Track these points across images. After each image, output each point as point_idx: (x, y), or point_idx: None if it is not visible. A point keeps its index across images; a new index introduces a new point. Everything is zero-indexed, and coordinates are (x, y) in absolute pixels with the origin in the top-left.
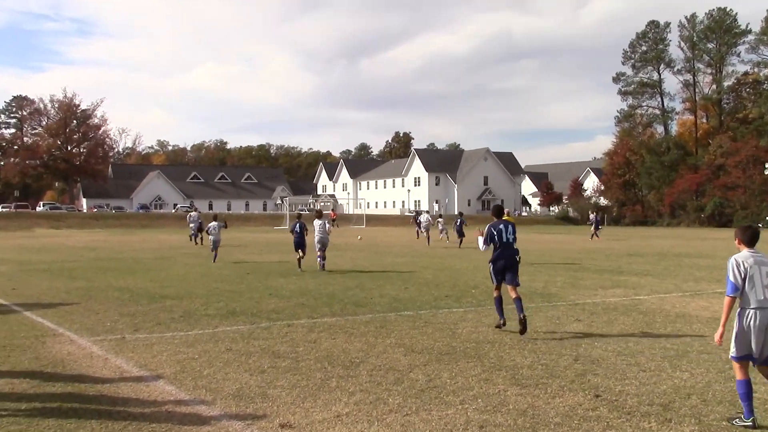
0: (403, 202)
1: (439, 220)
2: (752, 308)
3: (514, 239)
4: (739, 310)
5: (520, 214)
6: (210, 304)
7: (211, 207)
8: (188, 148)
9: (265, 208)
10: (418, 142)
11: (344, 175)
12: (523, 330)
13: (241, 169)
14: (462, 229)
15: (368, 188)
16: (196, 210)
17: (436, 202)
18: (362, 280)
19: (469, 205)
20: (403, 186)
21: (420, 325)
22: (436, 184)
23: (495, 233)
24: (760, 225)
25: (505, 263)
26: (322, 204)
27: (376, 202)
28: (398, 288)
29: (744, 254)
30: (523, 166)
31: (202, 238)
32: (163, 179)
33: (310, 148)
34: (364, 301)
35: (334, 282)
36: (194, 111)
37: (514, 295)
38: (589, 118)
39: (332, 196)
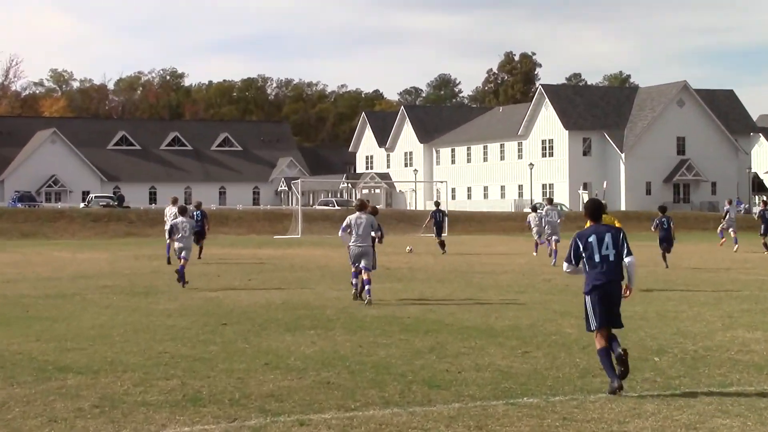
0: (521, 187)
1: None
2: None
3: (618, 256)
4: None
5: (746, 210)
6: (151, 383)
7: (153, 198)
8: (110, 86)
9: (256, 200)
10: (548, 73)
11: (407, 137)
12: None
13: (211, 127)
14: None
15: (452, 161)
16: (197, 207)
17: (583, 188)
18: (441, 336)
19: (648, 192)
20: (520, 157)
21: (555, 425)
22: (585, 153)
23: (582, 247)
24: None
25: (603, 294)
26: (368, 192)
27: (469, 189)
28: (510, 353)
29: None
30: (755, 118)
31: (201, 249)
32: (63, 145)
33: (343, 86)
34: (445, 379)
35: (387, 338)
36: (122, 15)
37: (602, 344)
38: None
39: (383, 177)
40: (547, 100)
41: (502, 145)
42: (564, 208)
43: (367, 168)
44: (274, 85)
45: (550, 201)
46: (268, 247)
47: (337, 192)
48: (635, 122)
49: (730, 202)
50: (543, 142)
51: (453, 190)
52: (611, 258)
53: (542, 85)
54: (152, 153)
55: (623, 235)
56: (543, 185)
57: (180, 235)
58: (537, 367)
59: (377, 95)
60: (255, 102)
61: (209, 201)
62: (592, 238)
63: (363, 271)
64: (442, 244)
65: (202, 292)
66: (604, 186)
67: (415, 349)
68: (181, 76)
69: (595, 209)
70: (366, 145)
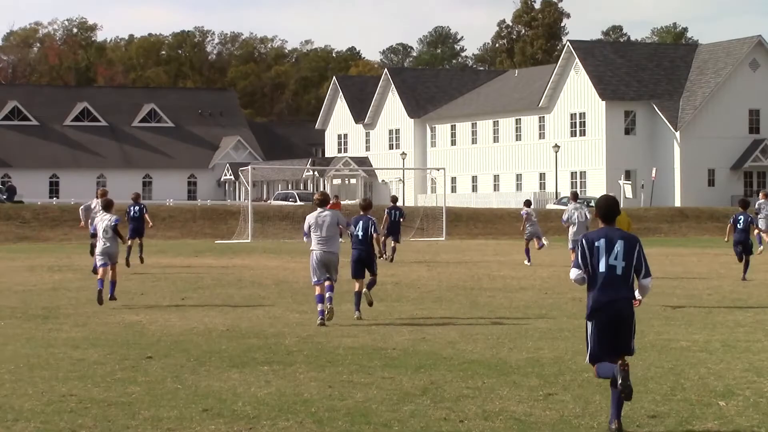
0: (542, 176)
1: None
2: None
3: (628, 270)
4: None
5: None
6: None
7: (54, 190)
8: None
9: (192, 193)
10: (579, 26)
11: (392, 110)
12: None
13: (132, 96)
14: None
15: (451, 142)
16: (135, 201)
17: (625, 178)
18: (438, 372)
19: (710, 182)
20: (542, 137)
21: None
22: (628, 132)
23: (588, 253)
24: None
25: (607, 320)
26: (341, 183)
27: (474, 179)
28: (528, 395)
29: None
30: None
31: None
32: None
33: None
34: (443, 431)
35: (366, 376)
36: None
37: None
38: None
39: (360, 163)
40: (577, 61)
41: (518, 121)
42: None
43: (339, 151)
44: (216, 41)
45: (575, 196)
46: (208, 255)
47: (300, 182)
48: (694, 91)
49: (766, 196)
50: (572, 116)
51: (453, 180)
52: (618, 271)
53: (571, 42)
54: (53, 130)
55: (640, 246)
56: (572, 174)
57: (101, 237)
58: (564, 414)
59: (353, 55)
60: (190, 63)
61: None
62: (600, 242)
63: (323, 280)
64: (393, 251)
65: (119, 314)
66: (653, 175)
67: (403, 390)
68: (93, 28)
69: (609, 208)
70: (338, 120)
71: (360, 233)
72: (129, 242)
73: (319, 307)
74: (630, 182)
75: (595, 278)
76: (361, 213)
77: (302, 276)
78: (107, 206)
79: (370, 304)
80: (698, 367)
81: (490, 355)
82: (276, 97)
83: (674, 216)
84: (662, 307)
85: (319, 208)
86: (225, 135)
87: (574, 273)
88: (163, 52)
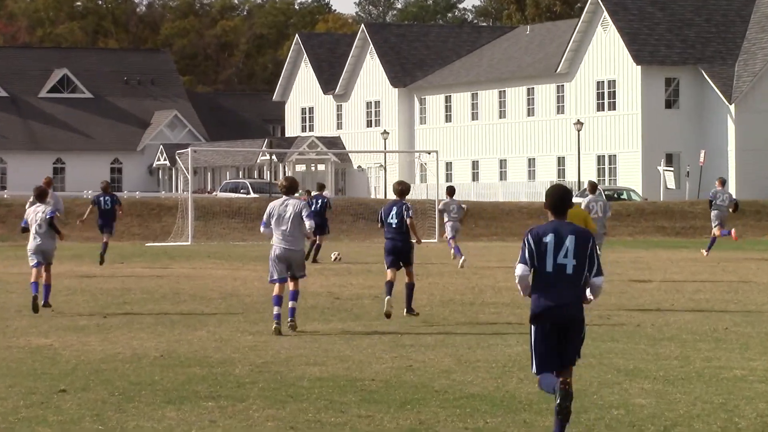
0: (561, 160)
1: None
2: None
3: (580, 269)
4: None
5: None
6: None
7: None
8: None
9: (117, 182)
10: None
11: (370, 77)
12: None
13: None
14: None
15: (446, 118)
16: (105, 191)
17: (666, 163)
18: (428, 409)
19: None
20: (560, 111)
21: None
22: (669, 105)
23: (534, 249)
24: None
25: (556, 322)
26: (306, 169)
27: (474, 164)
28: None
29: None
30: None
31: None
32: None
33: None
34: None
35: (337, 415)
36: None
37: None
38: None
39: (330, 144)
40: (605, 14)
41: (530, 91)
42: (634, 197)
43: (303, 129)
44: None
45: (593, 187)
46: (137, 261)
47: (254, 169)
48: (753, 53)
49: (722, 183)
50: (599, 85)
51: (448, 165)
52: (569, 270)
53: None
54: None
55: (593, 242)
56: (598, 158)
57: (34, 232)
58: None
59: (320, 7)
60: (113, 18)
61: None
62: (548, 238)
63: (282, 276)
64: (317, 249)
65: (24, 336)
66: (702, 159)
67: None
68: None
69: (559, 199)
70: (302, 90)
71: (394, 221)
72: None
73: (275, 310)
74: (672, 169)
75: (542, 278)
76: (396, 198)
77: (256, 287)
78: (41, 196)
79: (388, 315)
80: (756, 402)
81: (494, 388)
82: (223, 60)
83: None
84: (711, 326)
85: (284, 196)
86: (158, 109)
87: (520, 269)
88: (79, 3)
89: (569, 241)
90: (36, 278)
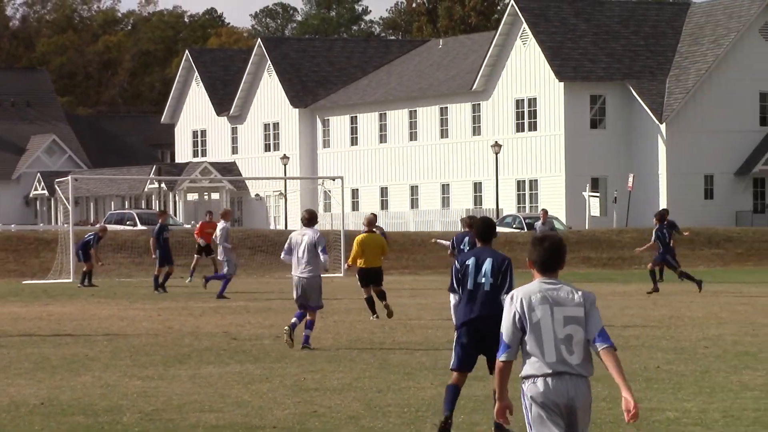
0: (478, 186)
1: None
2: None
3: (495, 288)
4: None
5: None
6: None
7: None
8: None
9: None
10: None
11: (268, 97)
12: None
13: None
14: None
15: (351, 141)
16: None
17: (592, 189)
18: None
19: (707, 193)
20: (476, 132)
21: None
22: (595, 124)
23: (460, 271)
24: None
25: (474, 333)
26: (199, 198)
27: (383, 190)
28: None
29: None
30: None
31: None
32: None
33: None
34: None
35: None
36: None
37: (455, 382)
38: None
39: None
40: (525, 26)
41: (443, 111)
42: (557, 225)
43: (195, 154)
44: (19, 0)
45: (545, 214)
46: (12, 300)
47: (141, 199)
48: (686, 68)
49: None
50: (518, 103)
51: (354, 192)
52: (486, 288)
53: (516, 0)
54: None
55: (508, 264)
56: (518, 183)
57: None
58: None
59: (212, 20)
60: None
61: None
62: (470, 261)
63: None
64: (155, 282)
65: None
66: (630, 184)
67: None
68: None
69: (486, 228)
70: (193, 112)
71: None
72: None
73: (293, 319)
74: (598, 194)
75: (465, 294)
76: (465, 230)
77: (145, 328)
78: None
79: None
80: None
81: None
82: (105, 79)
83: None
84: (642, 365)
85: (303, 226)
86: (35, 133)
87: (452, 298)
88: None
89: (487, 264)
90: None
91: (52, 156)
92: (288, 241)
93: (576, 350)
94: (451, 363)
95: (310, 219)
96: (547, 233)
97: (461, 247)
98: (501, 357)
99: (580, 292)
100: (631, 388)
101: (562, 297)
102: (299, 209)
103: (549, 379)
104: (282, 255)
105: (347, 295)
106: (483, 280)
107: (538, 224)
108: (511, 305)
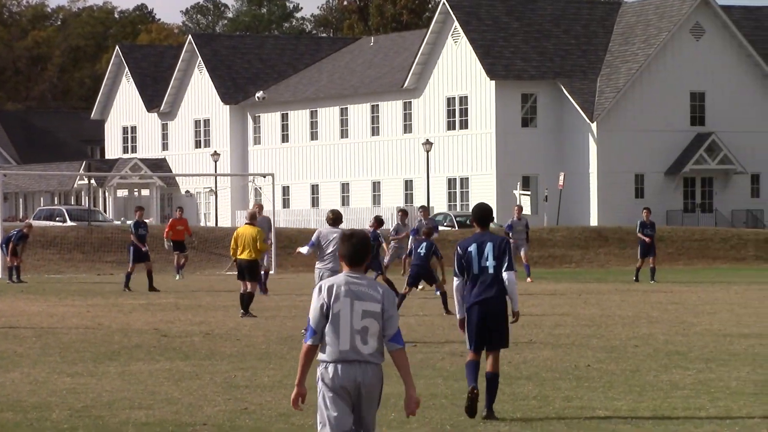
0: (409, 183)
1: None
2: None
3: (500, 268)
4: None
5: None
6: None
7: None
8: None
9: None
10: None
11: (199, 93)
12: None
13: None
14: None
15: (283, 138)
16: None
17: (522, 187)
18: None
19: (638, 192)
20: (408, 130)
21: None
22: (526, 123)
23: (463, 257)
24: None
25: (482, 313)
26: (129, 195)
27: (314, 188)
28: None
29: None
30: None
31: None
32: None
33: None
34: None
35: None
36: None
37: (489, 369)
38: None
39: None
40: (456, 25)
41: (374, 108)
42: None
43: (125, 150)
44: None
45: (519, 210)
46: None
47: (71, 195)
48: (617, 67)
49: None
50: (449, 101)
51: (285, 189)
52: (491, 270)
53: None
54: None
55: (506, 244)
56: (449, 180)
57: None
58: None
59: (143, 16)
60: None
61: None
62: (472, 248)
63: None
64: (127, 279)
65: None
66: (561, 182)
67: None
68: None
69: (483, 214)
70: (123, 108)
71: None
72: None
73: None
74: (529, 192)
75: (472, 278)
76: (372, 228)
77: (74, 324)
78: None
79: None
80: None
81: None
82: (35, 75)
83: (589, 239)
84: (572, 363)
85: (330, 226)
86: None
87: (456, 282)
88: None
89: (488, 247)
90: None
91: None
92: (316, 234)
93: (370, 341)
94: (467, 345)
95: (335, 219)
96: (355, 230)
97: (327, 250)
98: (307, 341)
99: (381, 290)
100: (415, 387)
101: (363, 292)
102: (230, 206)
103: (339, 365)
104: (306, 247)
105: (279, 294)
106: (487, 263)
107: (514, 220)
108: (320, 295)
